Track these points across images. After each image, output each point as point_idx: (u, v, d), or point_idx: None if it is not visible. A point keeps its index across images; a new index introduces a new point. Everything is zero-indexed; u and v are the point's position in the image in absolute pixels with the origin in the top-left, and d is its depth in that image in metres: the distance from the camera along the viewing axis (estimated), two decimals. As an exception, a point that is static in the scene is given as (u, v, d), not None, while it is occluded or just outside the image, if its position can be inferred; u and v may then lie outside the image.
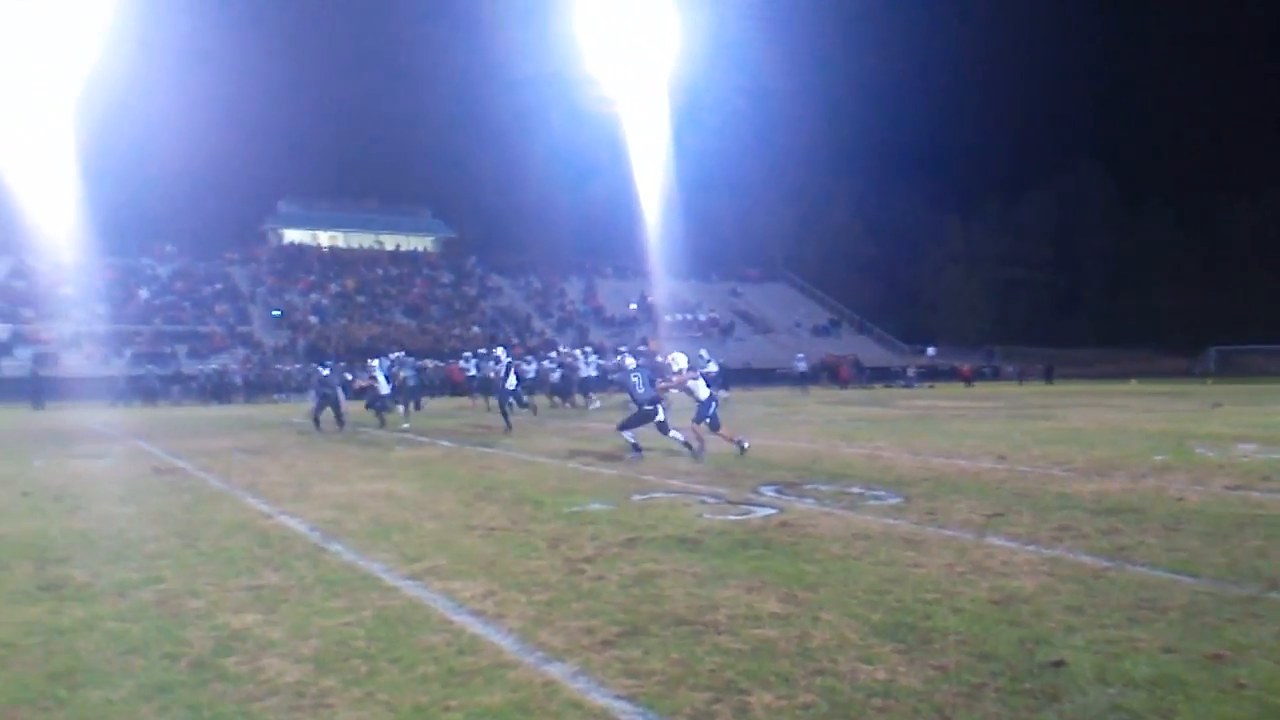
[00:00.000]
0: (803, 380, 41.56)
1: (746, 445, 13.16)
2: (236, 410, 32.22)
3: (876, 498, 9.07)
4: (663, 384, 13.71)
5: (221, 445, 16.25)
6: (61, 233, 46.18)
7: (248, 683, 4.14)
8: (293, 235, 69.03)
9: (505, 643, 4.62)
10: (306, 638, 4.76)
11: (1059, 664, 4.14)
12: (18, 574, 6.30)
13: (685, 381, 13.35)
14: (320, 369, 21.11)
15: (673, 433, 13.08)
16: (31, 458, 14.60)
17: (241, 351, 47.13)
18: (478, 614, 5.14)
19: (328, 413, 19.49)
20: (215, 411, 30.94)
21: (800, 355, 44.76)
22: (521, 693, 3.96)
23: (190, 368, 43.17)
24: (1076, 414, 22.50)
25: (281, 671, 4.26)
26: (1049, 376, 55.16)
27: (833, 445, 14.94)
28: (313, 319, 52.90)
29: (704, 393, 13.43)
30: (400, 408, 22.51)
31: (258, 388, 41.33)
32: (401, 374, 23.95)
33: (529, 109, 79.17)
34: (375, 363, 22.95)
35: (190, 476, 11.79)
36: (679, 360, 13.73)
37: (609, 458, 13.12)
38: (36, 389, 35.10)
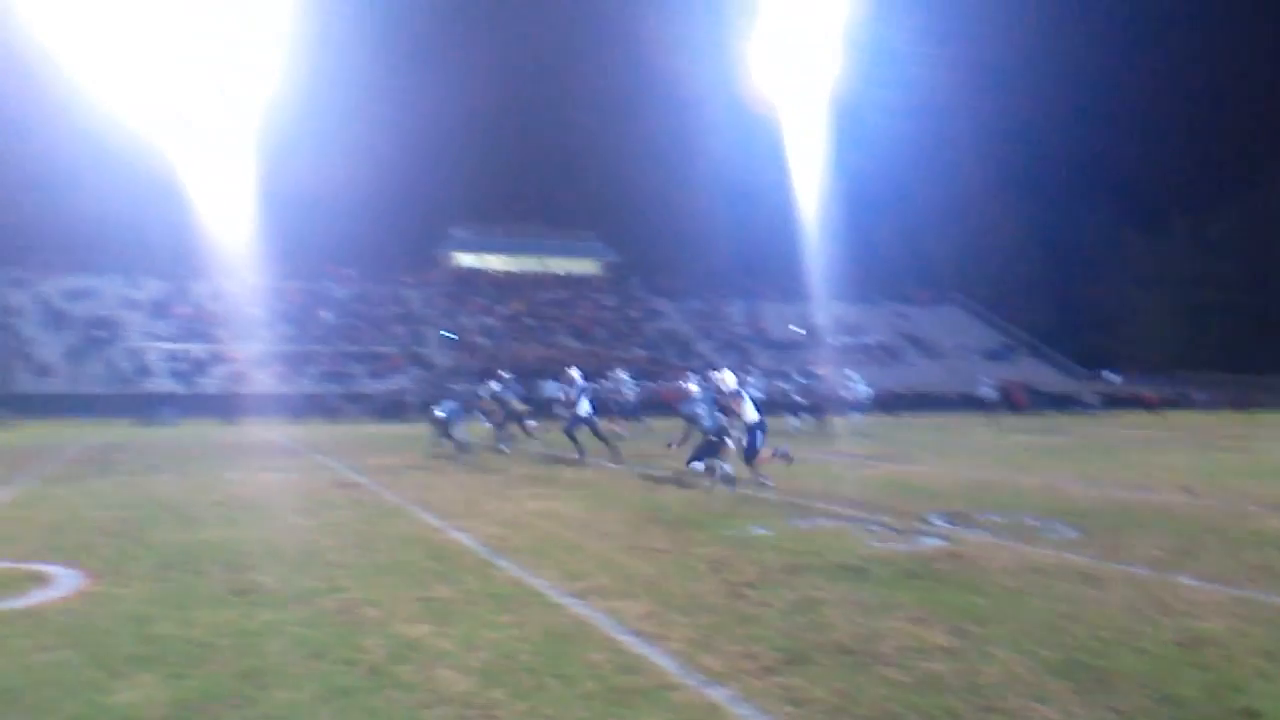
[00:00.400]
0: (991, 408, 38.01)
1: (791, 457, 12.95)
2: (410, 428, 33.48)
3: (1052, 530, 8.71)
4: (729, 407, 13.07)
5: (396, 462, 16.90)
6: (252, 258, 49.20)
7: (420, 690, 4.29)
8: (465, 260, 71.44)
9: (667, 664, 4.65)
10: (475, 649, 4.91)
11: (1253, 715, 3.88)
12: (212, 579, 6.72)
13: (731, 404, 12.85)
14: (489, 386, 20.74)
15: (695, 464, 12.51)
16: (225, 470, 15.53)
17: (415, 371, 48.96)
18: (640, 634, 5.18)
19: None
20: (391, 429, 32.19)
21: (986, 380, 41.67)
22: (683, 715, 3.98)
23: (368, 387, 45.13)
24: (1275, 446, 21.04)
25: (451, 681, 4.41)
26: (1243, 405, 51.72)
27: (1005, 474, 14.43)
28: (482, 340, 54.53)
29: (753, 415, 12.96)
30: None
31: (430, 407, 42.77)
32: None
33: (691, 131, 79.44)
34: (623, 375, 24.41)
35: (368, 491, 12.32)
36: (728, 380, 13.24)
37: (763, 485, 13.01)
38: (227, 406, 37.46)
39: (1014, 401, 44.27)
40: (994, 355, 63.06)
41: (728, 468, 12.35)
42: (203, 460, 17.72)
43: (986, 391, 38.96)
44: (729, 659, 4.71)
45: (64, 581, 6.58)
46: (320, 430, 30.39)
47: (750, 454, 12.67)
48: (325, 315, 54.49)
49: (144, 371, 44.68)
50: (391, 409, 41.46)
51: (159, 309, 51.79)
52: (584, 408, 17.44)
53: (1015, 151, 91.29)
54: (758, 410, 13.01)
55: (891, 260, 78.71)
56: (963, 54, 72.79)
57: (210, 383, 44.18)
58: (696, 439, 12.67)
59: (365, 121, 70.79)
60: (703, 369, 16.92)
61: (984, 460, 17.19)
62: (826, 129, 54.05)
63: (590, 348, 55.61)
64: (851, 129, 59.01)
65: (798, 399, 28.37)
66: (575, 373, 18.64)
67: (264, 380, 44.64)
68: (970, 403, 40.35)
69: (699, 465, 12.51)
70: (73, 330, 47.57)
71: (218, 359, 46.97)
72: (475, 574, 6.86)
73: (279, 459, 18.38)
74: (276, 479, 14.11)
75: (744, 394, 13.15)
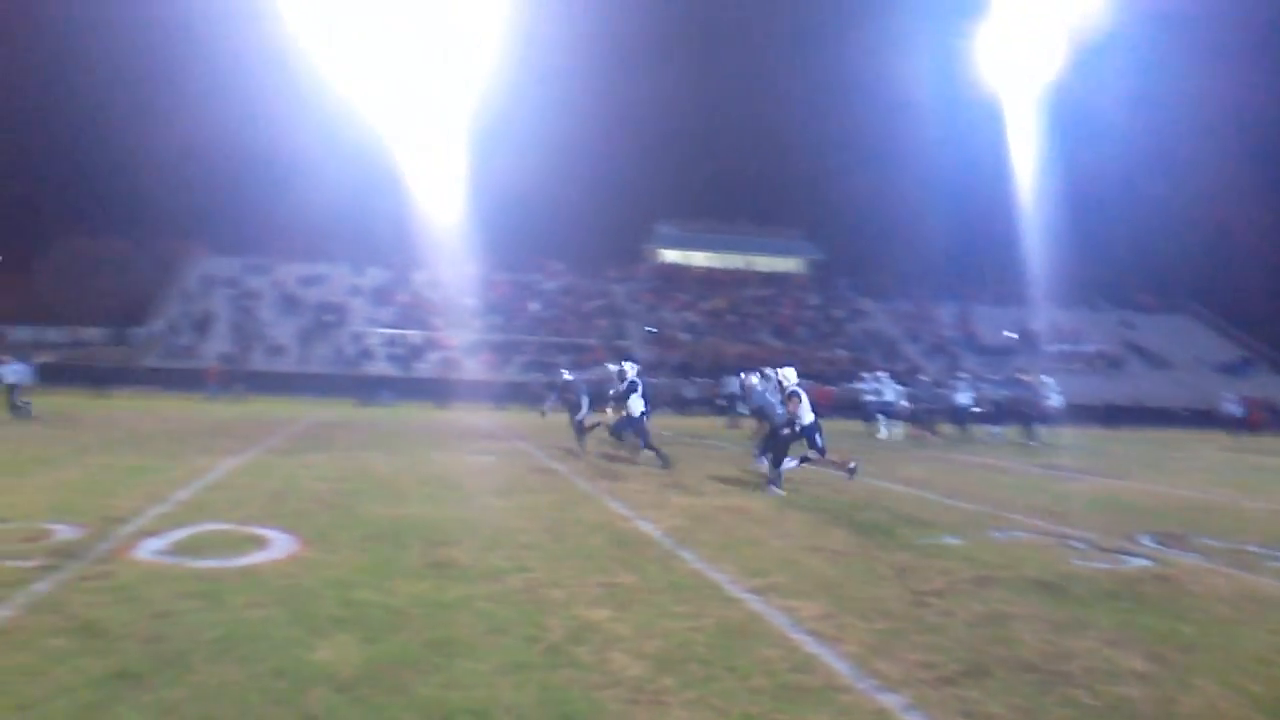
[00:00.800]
0: (1235, 425, 35.38)
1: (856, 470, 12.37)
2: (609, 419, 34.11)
3: (1277, 559, 8.05)
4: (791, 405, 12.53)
5: (591, 451, 17.28)
6: (467, 249, 51.46)
7: (594, 671, 4.40)
8: (669, 255, 72.31)
9: (840, 666, 4.58)
10: (651, 637, 4.98)
11: None
12: (412, 553, 7.07)
13: (788, 403, 12.35)
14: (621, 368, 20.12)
15: (760, 460, 12.26)
16: (432, 451, 16.30)
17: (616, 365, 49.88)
18: (815, 634, 5.13)
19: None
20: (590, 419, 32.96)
21: (1230, 396, 38.28)
22: (851, 717, 3.91)
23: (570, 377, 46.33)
24: None
25: (625, 665, 4.49)
26: None
27: (1231, 496, 13.41)
28: (684, 336, 55.01)
29: (809, 416, 12.34)
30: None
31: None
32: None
33: (903, 127, 77.57)
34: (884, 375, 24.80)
35: (562, 478, 12.66)
36: (789, 377, 12.73)
37: (960, 493, 12.58)
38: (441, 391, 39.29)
39: (1251, 420, 40.96)
40: (1230, 369, 58.57)
41: (792, 463, 12.06)
42: (413, 440, 18.66)
43: (1231, 407, 36.09)
44: (905, 666, 4.60)
45: (280, 545, 7.09)
46: (523, 418, 31.40)
47: (819, 455, 12.42)
48: (533, 306, 56.30)
49: (365, 355, 47.46)
50: (592, 399, 42.31)
51: (381, 296, 54.90)
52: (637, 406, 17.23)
53: (1260, 147, 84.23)
54: (814, 412, 12.61)
55: (1119, 264, 74.15)
56: (1201, 39, 67.73)
57: (424, 367, 46.46)
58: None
59: (577, 119, 72.78)
60: (757, 367, 16.13)
61: (1208, 480, 16.03)
62: (1050, 123, 51.58)
63: (791, 346, 55.22)
64: (1077, 123, 56.31)
65: (999, 407, 27.15)
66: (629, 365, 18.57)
67: (473, 367, 46.55)
68: (1201, 419, 37.55)
69: (764, 461, 12.30)
70: (304, 315, 51.08)
71: (432, 345, 49.31)
72: (657, 563, 6.95)
73: (482, 442, 19.13)
74: (478, 461, 14.70)
75: (801, 393, 12.61)
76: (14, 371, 19.91)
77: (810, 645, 4.93)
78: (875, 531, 8.82)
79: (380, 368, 45.85)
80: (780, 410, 12.02)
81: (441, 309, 52.72)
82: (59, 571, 5.95)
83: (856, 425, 26.93)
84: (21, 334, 59.09)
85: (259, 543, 7.15)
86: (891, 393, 25.97)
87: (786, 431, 12.02)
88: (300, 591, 5.69)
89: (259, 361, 45.31)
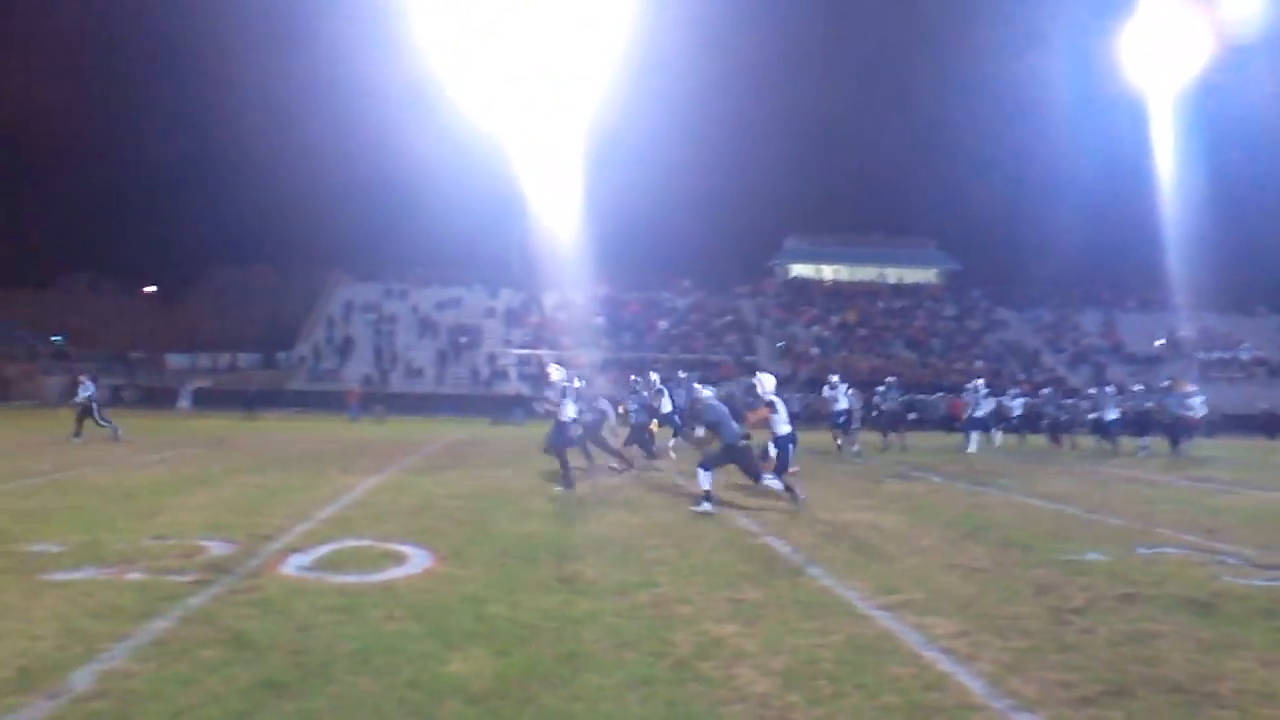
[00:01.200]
0: None
1: (802, 499, 11.17)
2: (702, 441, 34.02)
3: None
4: (753, 415, 11.95)
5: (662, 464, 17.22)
6: (596, 270, 52.17)
7: (720, 687, 4.40)
8: (798, 270, 71.70)
9: (974, 685, 4.47)
10: (778, 653, 4.95)
11: None
12: (542, 567, 7.20)
13: (764, 412, 11.89)
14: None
15: (768, 479, 11.13)
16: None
17: (746, 380, 49.72)
18: (949, 652, 5.01)
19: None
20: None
21: None
22: (984, 737, 3.82)
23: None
24: None
25: (752, 681, 4.47)
26: None
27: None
28: (814, 350, 54.44)
29: (784, 428, 11.93)
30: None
31: (848, 417, 43.12)
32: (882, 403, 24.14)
33: (1039, 132, 75.38)
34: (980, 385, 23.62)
35: (690, 494, 12.65)
36: (766, 383, 12.18)
37: (1105, 508, 12.09)
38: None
39: None
40: (1400, 375, 54.68)
41: (769, 480, 11.13)
42: (543, 459, 18.93)
43: None
44: (1043, 686, 4.46)
45: (416, 561, 7.30)
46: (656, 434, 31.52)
47: (779, 467, 12.02)
48: (662, 324, 56.56)
49: (499, 375, 48.48)
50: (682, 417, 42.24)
51: (514, 318, 55.99)
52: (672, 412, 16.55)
53: None
54: (790, 423, 12.27)
55: (1277, 267, 70.10)
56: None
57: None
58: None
59: (703, 137, 73.07)
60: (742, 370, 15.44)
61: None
62: (1197, 122, 49.31)
63: (925, 359, 54.09)
64: (1227, 122, 53.58)
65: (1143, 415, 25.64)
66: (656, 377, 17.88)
67: (603, 385, 46.93)
68: None
69: (771, 480, 11.22)
70: (440, 337, 52.47)
71: (564, 364, 50.01)
72: (786, 579, 6.90)
73: (611, 459, 19.24)
74: (606, 478, 14.82)
75: (778, 403, 12.24)
76: (89, 389, 20.87)
77: (943, 663, 4.82)
78: (1013, 547, 8.56)
79: (513, 387, 46.75)
80: (736, 424, 11.17)
81: (571, 329, 53.44)
82: (212, 586, 6.26)
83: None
84: (178, 360, 62.54)
85: (396, 558, 7.38)
86: (986, 404, 24.38)
87: (742, 444, 11.07)
88: (435, 606, 5.85)
89: (398, 383, 46.78)
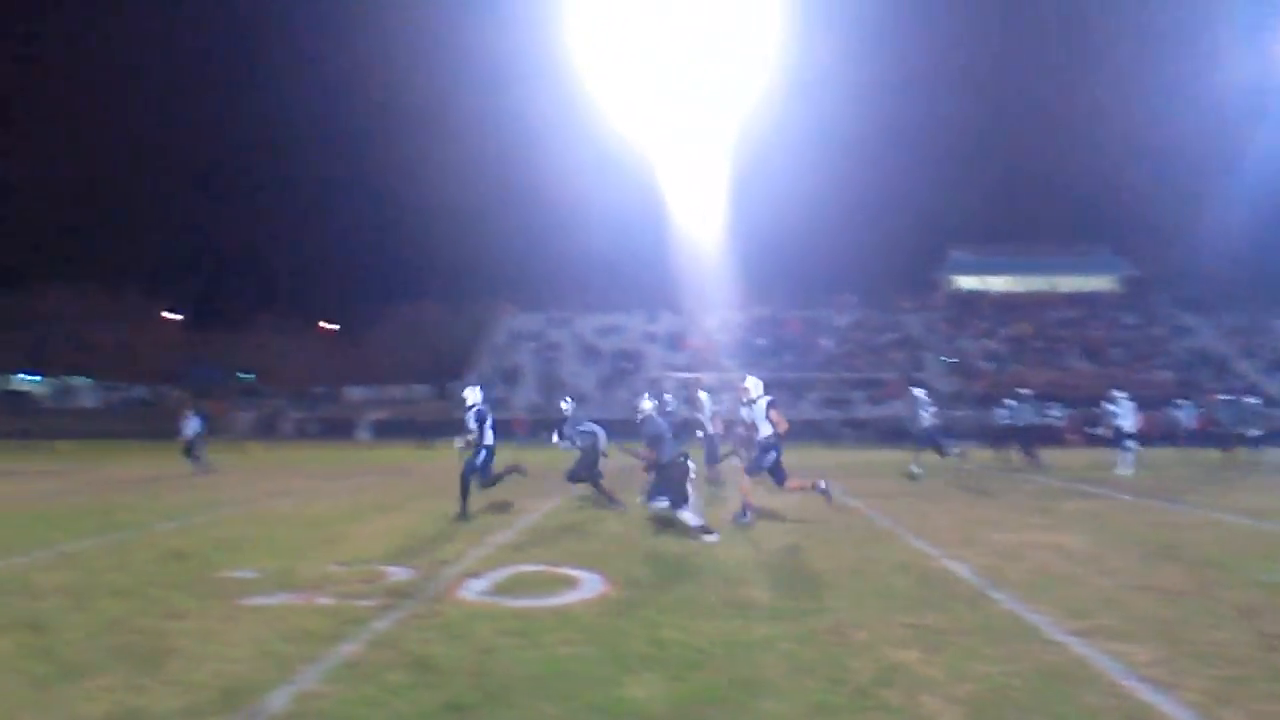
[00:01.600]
0: None
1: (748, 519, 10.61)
2: (908, 455, 33.11)
3: None
4: (780, 421, 11.13)
5: (891, 488, 16.84)
6: (755, 290, 52.00)
7: (904, 715, 4.26)
8: (965, 282, 69.59)
9: (1181, 715, 4.20)
10: (964, 680, 4.76)
11: None
12: (713, 592, 7.15)
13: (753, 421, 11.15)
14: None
15: (684, 512, 10.17)
16: (725, 491, 16.41)
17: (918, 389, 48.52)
18: (1150, 681, 4.72)
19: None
20: (889, 455, 32.11)
21: None
22: (1196, 773, 3.56)
23: (867, 413, 45.50)
24: None
25: (938, 710, 4.32)
26: None
27: None
28: (985, 365, 52.71)
29: (766, 430, 11.07)
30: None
31: (930, 433, 42.15)
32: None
33: (1220, 126, 71.03)
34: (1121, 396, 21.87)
35: (862, 516, 12.40)
36: (751, 388, 11.44)
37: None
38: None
39: None
40: None
41: (693, 520, 10.18)
42: (708, 480, 18.87)
43: None
44: (1253, 717, 4.15)
45: (588, 585, 7.37)
46: (818, 455, 31.08)
47: (776, 478, 11.26)
48: (825, 343, 55.84)
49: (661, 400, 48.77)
50: (890, 435, 41.40)
51: (674, 341, 56.30)
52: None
53: None
54: (774, 427, 11.26)
55: None
56: None
57: (720, 408, 47.05)
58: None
59: (859, 148, 72.03)
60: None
61: None
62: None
63: (1105, 369, 51.59)
64: None
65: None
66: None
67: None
68: None
69: (658, 504, 10.45)
70: (603, 363, 53.25)
71: (725, 386, 49.96)
72: (968, 604, 6.65)
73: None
74: (774, 500, 14.65)
75: (772, 405, 11.40)
76: (193, 425, 21.66)
77: (1144, 693, 4.54)
78: (1211, 567, 8.02)
79: (682, 411, 46.95)
80: (672, 441, 10.65)
81: (733, 350, 53.35)
82: (395, 610, 6.47)
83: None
84: (357, 393, 65.38)
85: (570, 583, 7.47)
86: (1130, 416, 22.25)
87: (680, 461, 10.47)
88: (609, 630, 5.88)
89: (559, 411, 47.62)
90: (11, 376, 72.11)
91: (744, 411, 11.81)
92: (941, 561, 8.50)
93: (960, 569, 8.07)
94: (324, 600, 6.83)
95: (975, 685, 4.69)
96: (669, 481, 10.32)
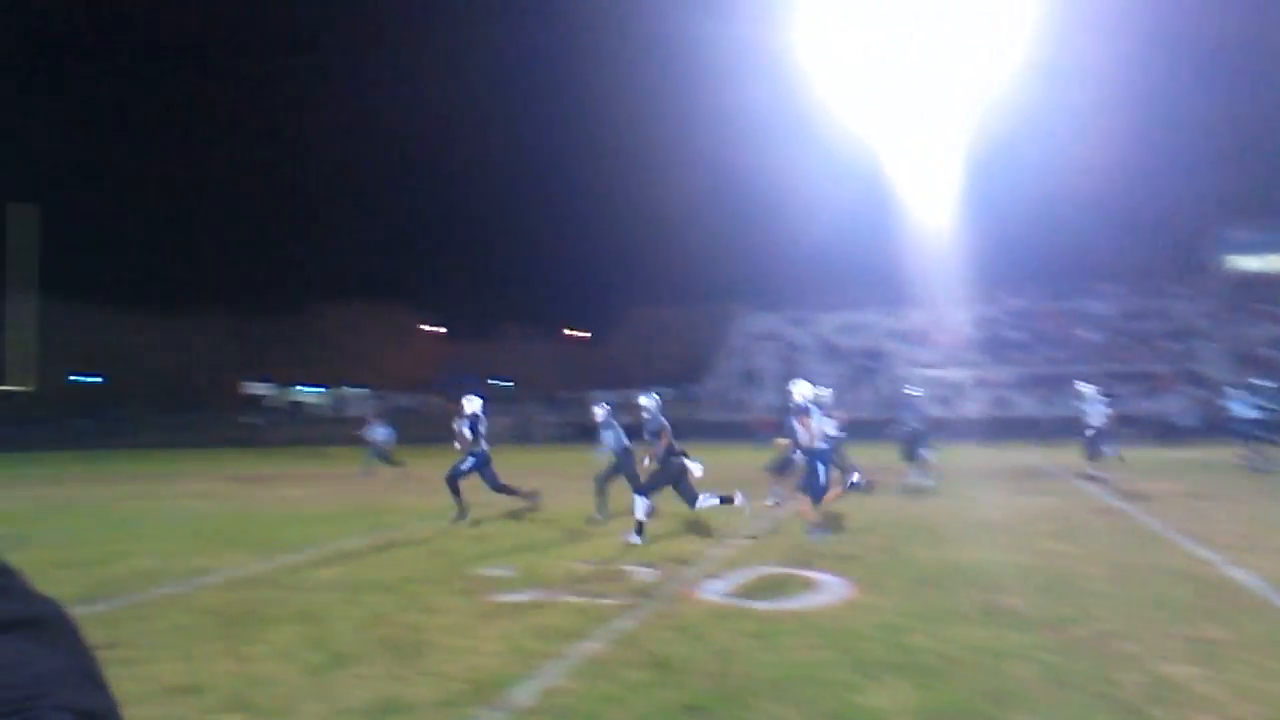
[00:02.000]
0: None
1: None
2: (1184, 453, 30.66)
3: None
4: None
5: (1164, 488, 15.61)
6: (1006, 281, 49.69)
7: (1178, 738, 3.88)
8: (1244, 263, 63.75)
9: None
10: (1248, 700, 4.31)
11: None
12: (964, 597, 6.81)
13: (798, 424, 10.08)
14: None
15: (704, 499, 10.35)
16: (980, 493, 15.75)
17: (1191, 390, 44.91)
18: None
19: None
20: (1160, 454, 29.85)
21: None
22: None
23: (1136, 408, 42.51)
24: None
25: (1217, 733, 3.90)
26: None
27: None
28: (1273, 354, 48.12)
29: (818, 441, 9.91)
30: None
31: (1208, 429, 38.88)
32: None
33: None
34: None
35: (1129, 519, 11.54)
36: (799, 392, 10.42)
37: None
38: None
39: None
40: None
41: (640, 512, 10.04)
42: (959, 482, 18.16)
43: None
44: None
45: (830, 588, 7.20)
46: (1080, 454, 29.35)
47: (814, 492, 10.18)
48: (1086, 334, 52.65)
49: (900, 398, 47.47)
50: (1162, 432, 38.56)
51: (920, 338, 54.64)
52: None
53: None
54: (828, 437, 10.22)
55: None
56: None
57: (970, 406, 45.29)
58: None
59: (1117, 128, 67.41)
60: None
61: None
62: None
63: None
64: None
65: None
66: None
67: (1023, 403, 44.56)
68: None
69: (704, 501, 10.47)
70: (845, 361, 52.34)
71: (978, 383, 47.99)
72: (1254, 615, 6.02)
73: (1035, 482, 18.12)
74: (1031, 502, 13.90)
75: (813, 412, 10.15)
76: (379, 432, 22.33)
77: None
78: None
79: (934, 410, 45.59)
80: (616, 450, 10.09)
81: (985, 345, 51.24)
82: (636, 610, 6.54)
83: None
84: (604, 398, 67.39)
85: (810, 586, 7.32)
86: (1244, 406, 19.31)
87: (667, 461, 10.38)
88: (851, 635, 5.70)
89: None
90: (293, 389, 79.06)
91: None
92: (1222, 568, 7.76)
93: (1245, 577, 7.34)
94: (569, 598, 7.00)
95: (1260, 706, 4.22)
96: (665, 477, 10.46)
